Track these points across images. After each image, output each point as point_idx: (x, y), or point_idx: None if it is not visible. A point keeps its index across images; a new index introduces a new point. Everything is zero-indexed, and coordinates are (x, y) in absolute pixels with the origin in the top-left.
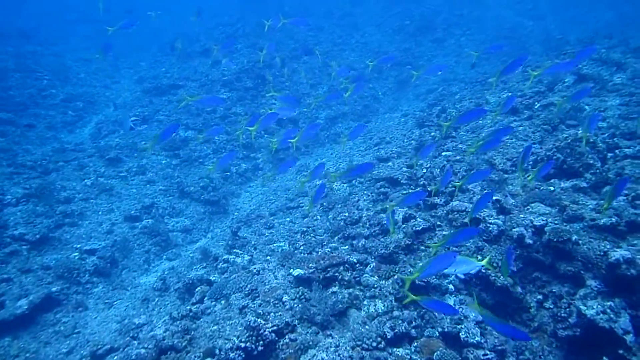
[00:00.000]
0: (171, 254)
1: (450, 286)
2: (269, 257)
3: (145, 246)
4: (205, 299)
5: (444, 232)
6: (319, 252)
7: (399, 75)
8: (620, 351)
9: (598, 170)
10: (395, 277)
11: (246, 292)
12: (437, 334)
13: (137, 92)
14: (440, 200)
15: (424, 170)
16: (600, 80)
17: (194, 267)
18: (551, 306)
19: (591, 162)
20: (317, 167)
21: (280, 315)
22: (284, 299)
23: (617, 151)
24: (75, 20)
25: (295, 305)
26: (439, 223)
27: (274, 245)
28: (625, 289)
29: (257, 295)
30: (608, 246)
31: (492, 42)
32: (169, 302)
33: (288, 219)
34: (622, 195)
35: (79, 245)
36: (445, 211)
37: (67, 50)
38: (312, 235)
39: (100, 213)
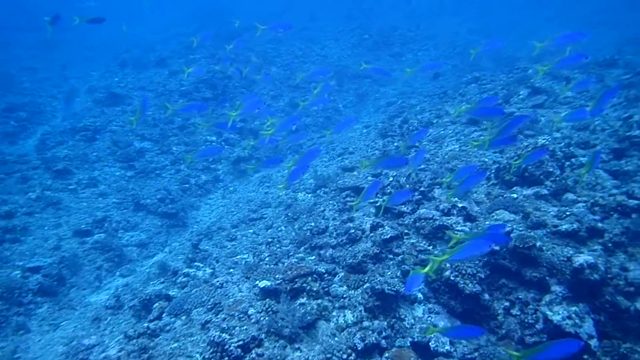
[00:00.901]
0: (125, 269)
1: (419, 295)
2: (232, 270)
3: (96, 262)
4: (164, 315)
5: (412, 240)
6: (286, 263)
7: (359, 88)
8: (585, 356)
9: (558, 178)
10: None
11: (209, 307)
12: (408, 344)
13: (87, 102)
14: (408, 208)
15: (390, 179)
16: (553, 93)
17: (151, 282)
18: (518, 313)
19: (551, 169)
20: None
21: (246, 329)
22: (249, 312)
23: (573, 160)
24: (18, 29)
25: (262, 318)
26: (406, 231)
27: (238, 257)
28: (588, 293)
29: (220, 309)
30: (571, 252)
31: (446, 58)
32: (123, 321)
33: (251, 230)
34: (581, 202)
35: (21, 263)
36: (412, 219)
37: (9, 58)
38: (277, 246)
39: (46, 228)
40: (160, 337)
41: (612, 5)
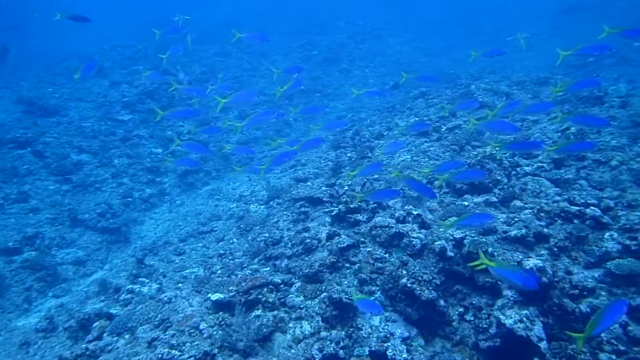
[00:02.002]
0: (59, 289)
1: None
2: (180, 285)
3: (25, 283)
4: (105, 334)
5: (368, 248)
6: (240, 275)
7: (309, 103)
8: (536, 359)
9: (505, 186)
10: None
11: (156, 323)
12: (367, 353)
13: (16, 112)
14: (363, 217)
15: (346, 188)
16: (495, 108)
17: (90, 301)
18: (472, 318)
19: (499, 178)
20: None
21: (198, 344)
22: (201, 327)
23: (518, 169)
24: None
25: (214, 333)
26: (362, 239)
27: (187, 271)
28: (537, 297)
29: (169, 325)
30: (521, 256)
31: (392, 75)
32: (57, 344)
33: (201, 244)
34: (527, 209)
35: None
36: (368, 227)
37: None
38: (229, 258)
39: None
40: (100, 358)
41: (536, 32)
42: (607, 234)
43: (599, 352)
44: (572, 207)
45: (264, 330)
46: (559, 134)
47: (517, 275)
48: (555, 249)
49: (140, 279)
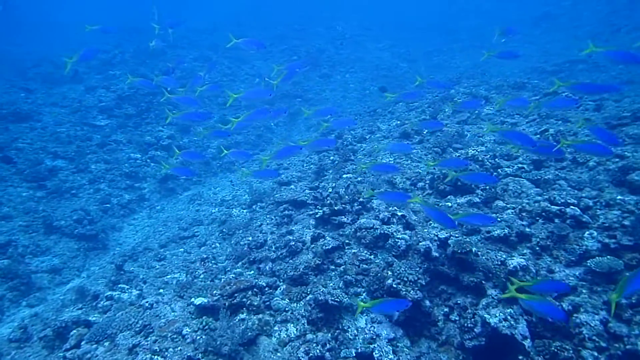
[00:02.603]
0: (34, 298)
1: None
2: (162, 290)
3: None
4: (83, 342)
5: (353, 250)
6: (223, 279)
7: (290, 108)
8: (520, 357)
9: (488, 187)
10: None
11: (137, 329)
12: (353, 355)
13: None
14: (348, 219)
15: (330, 190)
16: (474, 111)
17: (67, 309)
18: (457, 318)
19: None
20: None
21: (181, 350)
22: (184, 332)
23: (499, 170)
24: None
25: (198, 338)
26: (347, 241)
27: (168, 277)
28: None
29: (151, 331)
30: (504, 256)
31: (372, 80)
32: (31, 354)
33: (182, 249)
34: (510, 209)
35: None
36: (353, 229)
37: None
38: (212, 262)
39: None
40: None
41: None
42: (587, 232)
43: (582, 349)
44: (552, 206)
45: (249, 333)
46: (538, 135)
47: (545, 307)
48: (537, 248)
49: (119, 286)
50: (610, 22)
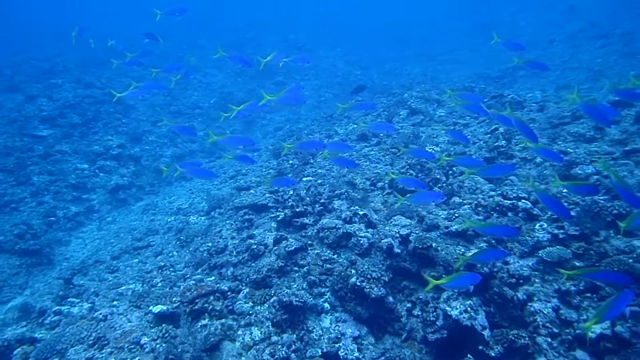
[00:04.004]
0: None
1: (326, 305)
2: (116, 302)
3: None
4: None
5: (316, 251)
6: (182, 286)
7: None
8: (480, 347)
9: (445, 184)
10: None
11: (90, 343)
12: (319, 354)
13: None
14: (310, 220)
15: (291, 192)
16: (427, 114)
17: (9, 328)
18: (419, 312)
19: (438, 176)
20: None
21: None
22: (142, 342)
23: (454, 168)
24: None
25: (157, 346)
26: (310, 242)
27: (122, 288)
28: (479, 287)
29: (105, 343)
30: (463, 250)
31: (328, 87)
32: None
33: (137, 259)
34: (466, 205)
35: None
36: (315, 230)
37: None
38: (170, 270)
39: None
40: None
41: (457, 47)
42: (538, 224)
43: (537, 336)
44: (505, 201)
45: (212, 339)
46: (489, 135)
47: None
48: (493, 241)
49: (69, 300)
50: (545, 32)
